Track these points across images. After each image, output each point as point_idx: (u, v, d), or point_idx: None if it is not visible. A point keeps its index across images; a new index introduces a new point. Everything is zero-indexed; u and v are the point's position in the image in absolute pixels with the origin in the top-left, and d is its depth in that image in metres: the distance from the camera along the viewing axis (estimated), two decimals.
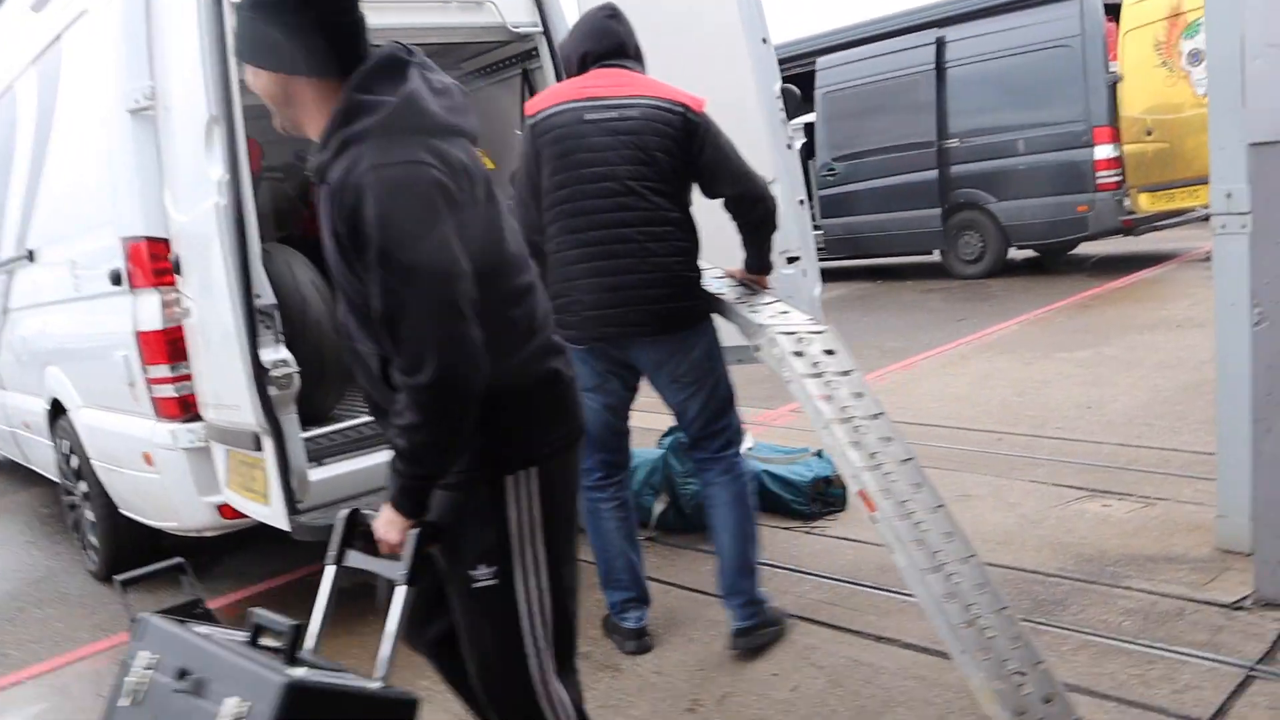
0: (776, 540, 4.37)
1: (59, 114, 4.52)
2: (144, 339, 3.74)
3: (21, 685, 4.01)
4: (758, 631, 3.34)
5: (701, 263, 3.34)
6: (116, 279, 3.87)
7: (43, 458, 5.76)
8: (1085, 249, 12.53)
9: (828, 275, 13.93)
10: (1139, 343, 7.48)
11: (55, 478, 5.57)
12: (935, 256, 12.50)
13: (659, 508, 4.53)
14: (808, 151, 14.18)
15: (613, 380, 3.33)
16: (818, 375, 2.99)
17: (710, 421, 3.36)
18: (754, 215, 3.28)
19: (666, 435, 4.75)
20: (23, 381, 5.66)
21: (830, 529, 4.47)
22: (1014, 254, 12.17)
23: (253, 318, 3.00)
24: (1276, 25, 2.92)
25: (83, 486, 4.95)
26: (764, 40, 4.00)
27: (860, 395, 2.98)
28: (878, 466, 2.78)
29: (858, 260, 13.65)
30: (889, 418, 2.99)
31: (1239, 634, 3.07)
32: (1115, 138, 10.32)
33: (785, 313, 3.32)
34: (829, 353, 3.10)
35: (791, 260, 4.14)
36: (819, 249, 12.80)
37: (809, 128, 14.26)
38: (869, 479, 2.74)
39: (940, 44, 11.47)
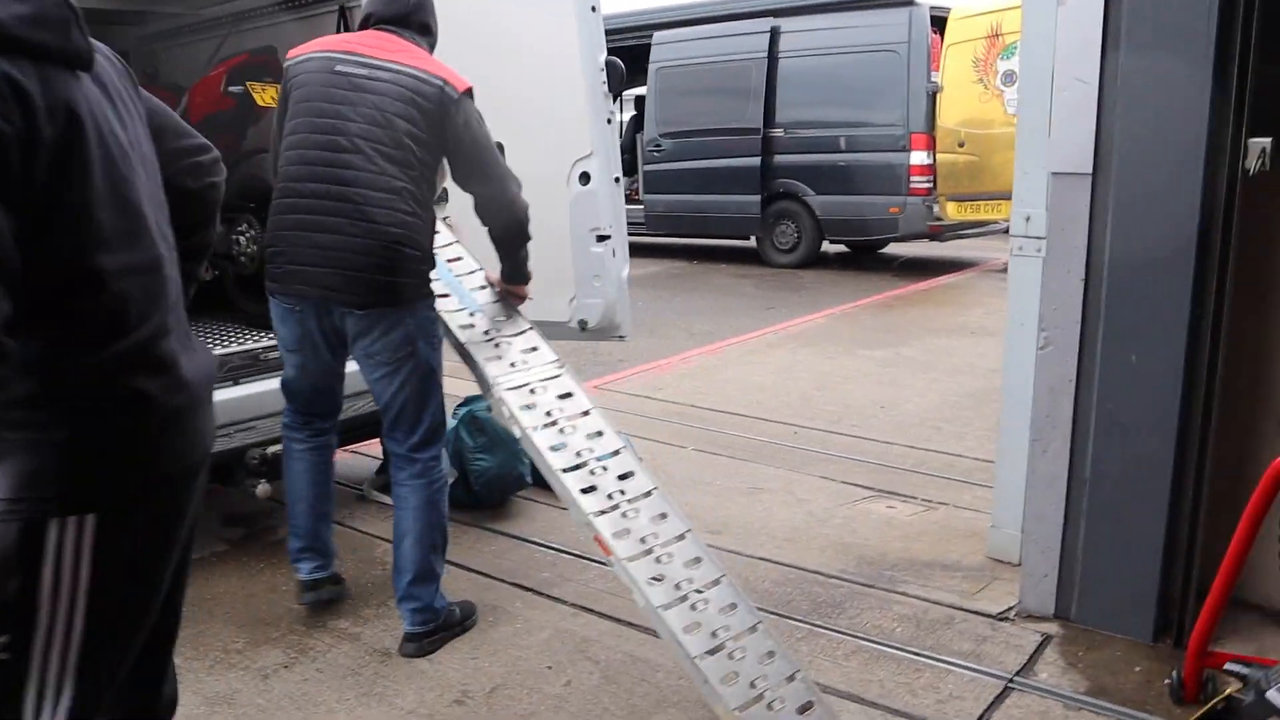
0: (566, 523, 4.25)
1: None
2: None
3: None
4: (429, 638, 3.21)
5: (460, 260, 3.25)
6: None
7: None
8: (893, 249, 13.01)
9: (645, 251, 14.03)
10: (936, 346, 7.77)
11: None
12: (751, 242, 12.69)
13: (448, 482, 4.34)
14: (637, 125, 14.14)
15: (314, 344, 3.13)
16: (551, 424, 3.09)
17: (402, 413, 3.16)
18: (499, 221, 3.20)
19: (461, 405, 4.56)
20: None
21: None
22: (827, 247, 12.50)
23: None
24: (1084, 61, 2.98)
25: None
26: (593, 8, 3.84)
27: (599, 434, 3.10)
28: (615, 508, 2.85)
29: (676, 239, 13.74)
30: (631, 450, 3.11)
31: (1001, 645, 3.17)
32: (930, 145, 10.71)
33: (532, 349, 3.40)
34: (564, 396, 3.20)
35: (601, 239, 4.01)
36: (639, 224, 12.97)
37: (639, 101, 14.22)
38: (601, 524, 2.80)
39: (775, 33, 11.59)
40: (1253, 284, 3.04)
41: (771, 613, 3.41)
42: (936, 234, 11.32)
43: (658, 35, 12.60)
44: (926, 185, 10.78)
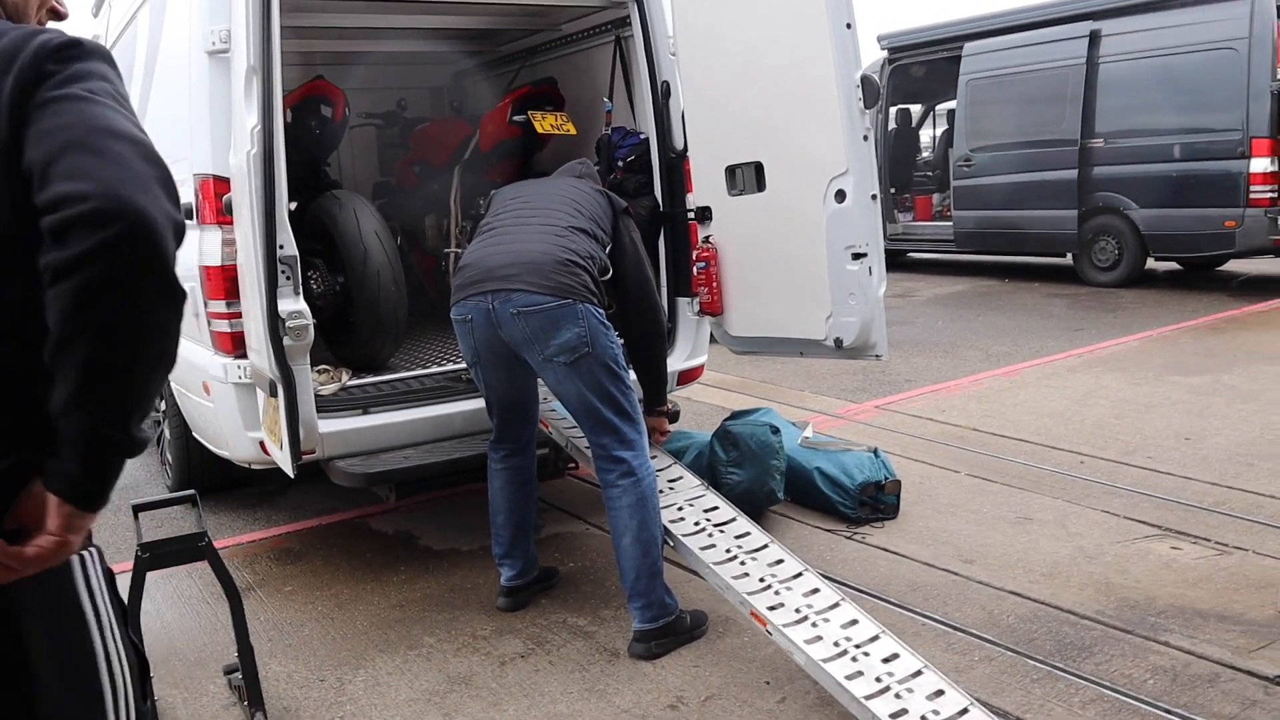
0: (816, 542, 4.26)
1: (162, 49, 4.68)
2: (207, 273, 3.85)
3: None
4: (658, 639, 3.29)
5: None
6: (189, 213, 3.99)
7: None
8: (1232, 267, 11.78)
9: (955, 269, 13.60)
10: (1263, 374, 6.98)
11: None
12: (1068, 260, 11.93)
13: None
14: (947, 140, 13.70)
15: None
16: (699, 530, 3.47)
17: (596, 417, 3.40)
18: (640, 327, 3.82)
19: (724, 421, 4.67)
20: None
21: (872, 536, 4.32)
22: (1155, 265, 11.52)
23: (274, 267, 3.04)
24: None
25: (162, 405, 5.18)
26: (848, 25, 3.82)
27: (746, 534, 3.46)
28: (767, 588, 3.17)
29: (988, 256, 13.16)
30: (778, 545, 3.41)
31: (1273, 713, 2.83)
32: (1274, 151, 9.60)
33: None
34: (711, 509, 3.62)
35: (858, 256, 3.97)
36: (948, 241, 12.56)
37: (950, 115, 13.76)
38: (757, 601, 3.10)
39: (1094, 37, 10.83)
40: None
41: (1009, 649, 3.26)
42: None
43: (968, 46, 12.15)
44: (1270, 195, 9.66)
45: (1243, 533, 4.21)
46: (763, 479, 4.38)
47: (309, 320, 3.15)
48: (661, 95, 4.76)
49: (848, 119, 3.93)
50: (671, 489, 3.65)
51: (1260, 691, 2.94)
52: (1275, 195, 9.68)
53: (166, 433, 5.22)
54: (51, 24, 1.55)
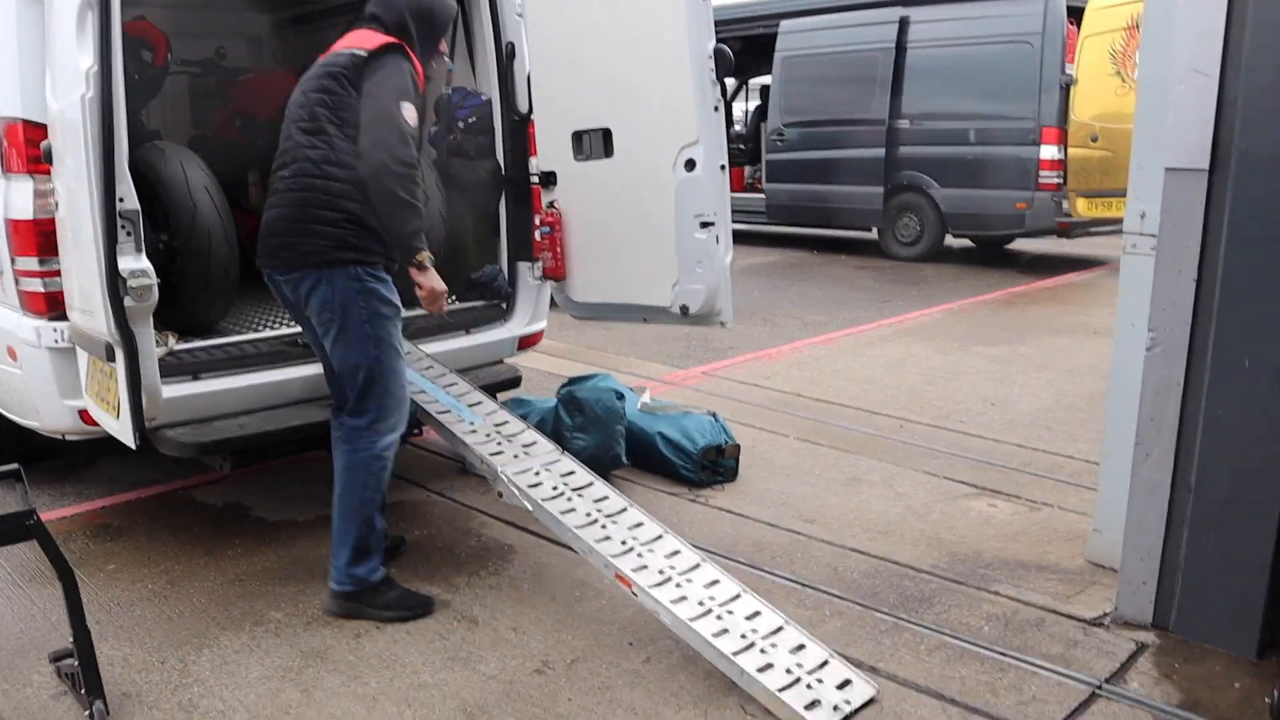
0: (660, 505, 4.31)
1: None
2: (13, 227, 3.52)
3: None
4: (345, 601, 3.34)
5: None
6: None
7: None
8: (1020, 245, 12.64)
9: (766, 240, 13.97)
10: (1054, 345, 7.54)
11: None
12: (873, 234, 12.50)
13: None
14: (761, 114, 14.06)
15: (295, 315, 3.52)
16: (558, 495, 3.45)
17: (334, 378, 3.44)
18: (365, 172, 3.19)
19: (564, 386, 4.66)
20: None
21: (715, 499, 4.42)
22: (952, 241, 12.23)
23: (113, 222, 2.81)
24: (1204, 51, 2.87)
25: None
26: None
27: (605, 498, 3.48)
28: (629, 550, 3.20)
29: (797, 229, 13.62)
30: (637, 508, 3.45)
31: (1093, 650, 3.09)
32: (1061, 140, 10.34)
33: (502, 424, 3.82)
34: (568, 474, 3.58)
35: (705, 225, 4.03)
36: (760, 213, 12.92)
37: (764, 90, 14.12)
38: (622, 564, 3.12)
39: (904, 23, 11.34)
40: None
41: (857, 603, 3.41)
42: (1065, 230, 10.91)
43: (785, 24, 12.49)
44: (1056, 180, 10.41)
45: (1048, 490, 4.55)
46: (608, 443, 4.41)
47: (153, 280, 2.93)
48: (506, 57, 4.67)
49: (699, 89, 3.98)
50: (527, 454, 3.61)
51: (1080, 633, 3.20)
52: (1061, 180, 10.43)
53: None
54: None
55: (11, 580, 3.67)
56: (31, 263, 3.49)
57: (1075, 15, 10.33)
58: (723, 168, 4.14)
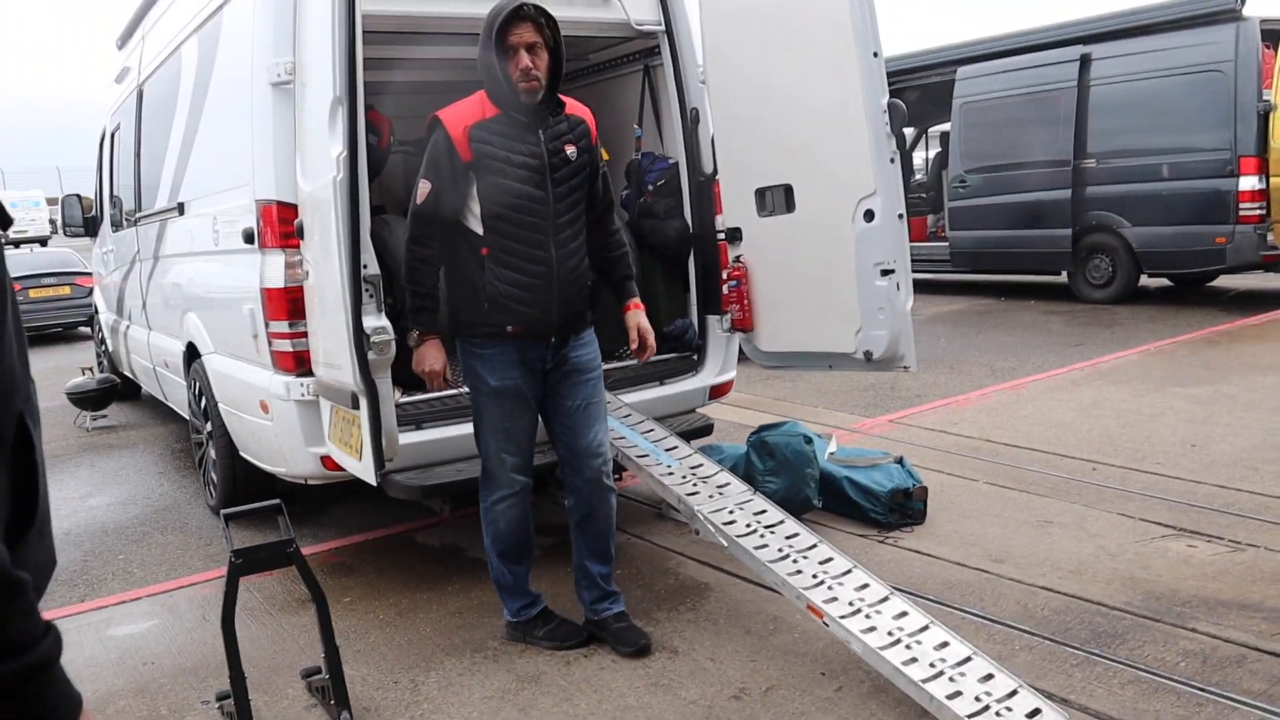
0: (849, 546, 4.43)
1: (215, 80, 4.88)
2: (268, 295, 4.04)
3: (138, 601, 4.39)
4: (506, 628, 3.74)
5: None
6: (249, 238, 4.18)
7: (177, 396, 6.23)
8: (1224, 282, 12.09)
9: (952, 289, 13.85)
10: (1261, 383, 7.23)
11: (187, 415, 6.01)
12: (1063, 278, 12.21)
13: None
14: (942, 161, 14.01)
15: None
16: (751, 532, 3.66)
17: None
18: None
19: (754, 433, 4.87)
20: (166, 324, 6.13)
21: (903, 540, 4.51)
22: (1148, 281, 11.81)
23: (359, 286, 3.24)
24: None
25: (209, 426, 5.34)
26: (875, 54, 4.06)
27: (796, 535, 3.67)
28: (820, 583, 3.37)
29: (984, 275, 13.42)
30: (826, 544, 3.61)
31: None
32: (1262, 169, 9.92)
33: (697, 466, 4.09)
34: (760, 512, 3.81)
35: (886, 272, 4.19)
36: (944, 261, 12.82)
37: (944, 137, 14.07)
38: (813, 595, 3.30)
39: (1085, 60, 11.17)
40: None
41: (1046, 639, 3.45)
42: (1271, 264, 10.42)
43: (961, 70, 12.48)
44: (1258, 212, 9.98)
45: (1254, 531, 4.42)
46: (799, 486, 4.58)
47: (391, 335, 3.35)
48: (691, 121, 4.98)
49: (875, 143, 4.16)
50: (721, 494, 3.84)
51: None
52: (1263, 212, 9.98)
53: (211, 453, 5.37)
54: None
55: (266, 609, 4.15)
56: (282, 325, 4.00)
57: (1270, 38, 9.94)
58: (900, 217, 4.30)
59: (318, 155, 3.39)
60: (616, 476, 4.49)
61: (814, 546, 3.55)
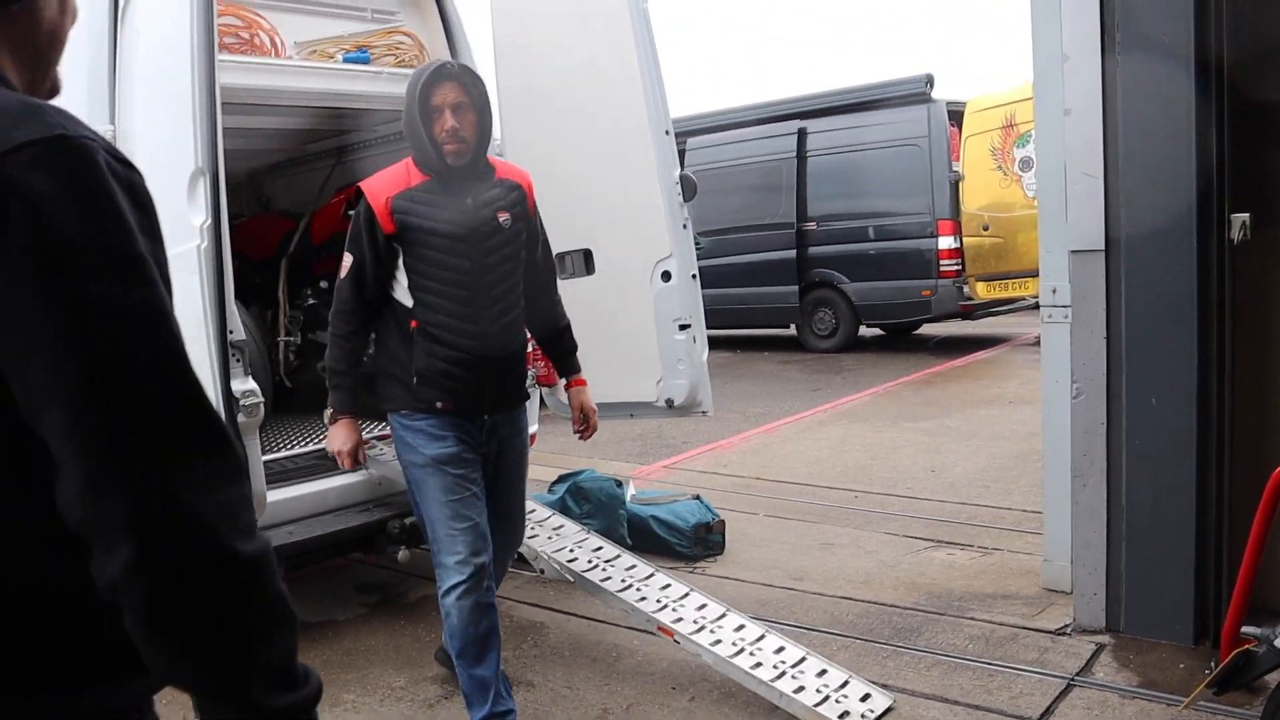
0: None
1: None
2: None
3: None
4: None
5: None
6: None
7: None
8: (928, 330, 13.61)
9: None
10: (976, 416, 8.30)
11: None
12: (792, 330, 13.33)
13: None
14: None
15: None
16: (594, 567, 3.93)
17: None
18: None
19: (557, 482, 5.17)
20: None
21: (711, 569, 4.94)
22: (866, 331, 13.12)
23: (225, 351, 3.29)
24: (1091, 159, 3.62)
25: None
26: (666, 132, 4.54)
27: (633, 566, 3.97)
28: (665, 606, 3.69)
29: (720, 330, 14.36)
30: (662, 572, 3.98)
31: (1062, 653, 3.68)
32: (956, 230, 11.38)
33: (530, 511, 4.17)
34: (598, 549, 4.09)
35: (683, 327, 4.64)
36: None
37: None
38: (662, 617, 3.61)
39: (802, 134, 12.41)
40: (1250, 330, 3.61)
41: (857, 638, 3.95)
42: (968, 313, 11.91)
43: (691, 141, 13.45)
44: (955, 268, 11.41)
45: (996, 538, 5.17)
46: (614, 525, 4.91)
47: (260, 399, 3.39)
48: None
49: (670, 211, 4.63)
50: (558, 535, 4.10)
51: (1049, 641, 3.79)
52: (960, 268, 11.43)
53: None
54: None
55: None
56: None
57: (955, 118, 11.47)
58: (694, 276, 4.78)
59: (173, 227, 3.41)
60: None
61: (652, 575, 3.89)
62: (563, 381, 3.74)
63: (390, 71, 4.79)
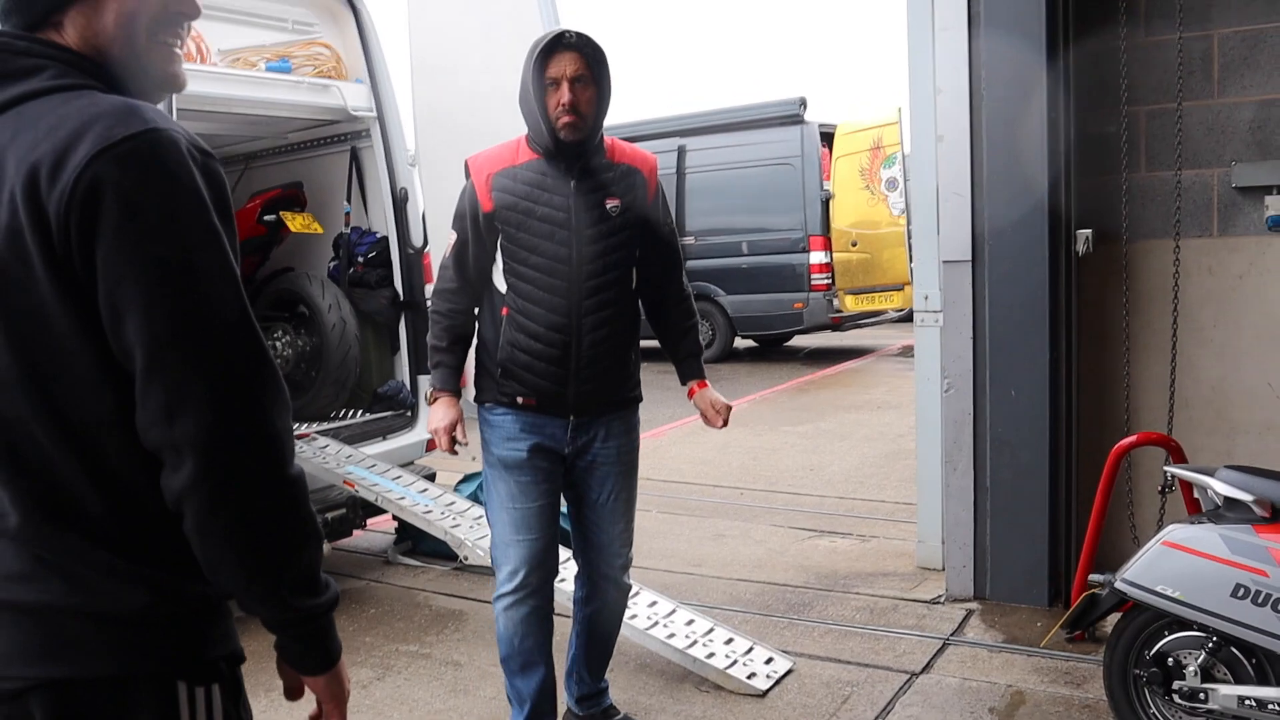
0: None
1: None
2: None
3: None
4: None
5: None
6: None
7: None
8: (797, 341, 14.25)
9: None
10: (848, 420, 8.86)
11: None
12: None
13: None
14: None
15: None
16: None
17: None
18: None
19: (464, 481, 5.40)
20: None
21: None
22: (739, 342, 13.66)
23: None
24: (959, 180, 4.11)
25: None
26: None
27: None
28: None
29: None
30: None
31: (937, 619, 4.14)
32: (827, 246, 12.02)
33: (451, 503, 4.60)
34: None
35: None
36: None
37: None
38: None
39: (681, 151, 12.89)
40: (1092, 331, 4.15)
41: (756, 614, 4.33)
42: (838, 325, 12.57)
43: None
44: (826, 281, 12.04)
45: (873, 526, 5.65)
46: None
47: None
48: (400, 199, 5.48)
49: None
50: (479, 524, 4.33)
51: (925, 609, 4.25)
52: (830, 281, 12.06)
53: None
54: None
55: None
56: None
57: (827, 140, 12.13)
58: None
59: None
60: (360, 525, 4.86)
61: (568, 560, 4.17)
62: (685, 388, 3.43)
63: (310, 81, 4.99)
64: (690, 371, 3.36)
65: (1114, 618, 3.08)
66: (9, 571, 1.28)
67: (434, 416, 3.11)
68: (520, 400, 2.98)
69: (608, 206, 2.95)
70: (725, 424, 3.35)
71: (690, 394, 3.37)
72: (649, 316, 3.24)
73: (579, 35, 2.89)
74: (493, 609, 3.15)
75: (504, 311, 2.96)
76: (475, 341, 3.15)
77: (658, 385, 11.55)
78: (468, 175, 3.03)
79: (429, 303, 3.17)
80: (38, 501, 1.27)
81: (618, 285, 2.99)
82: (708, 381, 3.37)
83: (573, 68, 2.85)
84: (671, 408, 9.97)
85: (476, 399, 3.13)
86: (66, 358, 1.23)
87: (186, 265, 1.22)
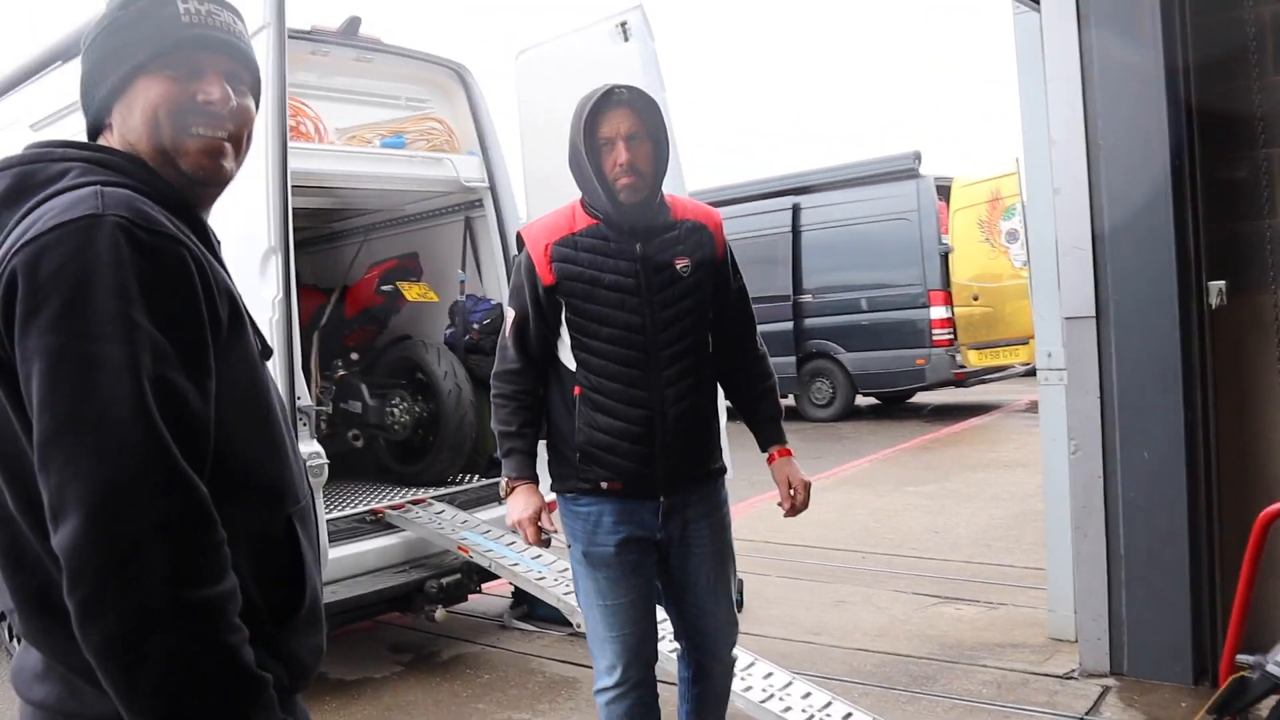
0: None
1: None
2: None
3: None
4: None
5: None
6: None
7: None
8: (921, 398, 13.92)
9: None
10: (974, 479, 8.57)
11: None
12: (790, 400, 13.62)
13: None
14: None
15: None
16: None
17: None
18: None
19: None
20: None
21: None
22: (861, 400, 13.42)
23: (295, 417, 3.56)
24: (1079, 233, 3.95)
25: None
26: None
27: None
28: None
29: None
30: None
31: (1071, 695, 3.90)
32: (948, 300, 11.76)
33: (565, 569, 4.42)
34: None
35: None
36: None
37: None
38: None
39: (796, 209, 12.85)
40: (1230, 387, 3.91)
41: (877, 686, 4.16)
42: (961, 380, 12.24)
43: None
44: (948, 337, 11.77)
45: (1000, 593, 5.40)
46: None
47: (325, 460, 3.65)
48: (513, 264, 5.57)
49: None
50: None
51: (1058, 685, 4.02)
52: (952, 336, 11.78)
53: None
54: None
55: None
56: None
57: (944, 193, 11.93)
58: None
59: (252, 300, 3.72)
60: (475, 589, 4.88)
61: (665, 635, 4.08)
62: (765, 455, 3.14)
63: (424, 155, 5.14)
64: (771, 436, 3.10)
65: (1270, 700, 2.84)
66: (31, 668, 1.29)
67: (514, 508, 2.82)
68: (605, 485, 2.75)
69: (678, 267, 2.75)
70: (803, 506, 3.07)
71: (770, 460, 3.09)
72: (723, 380, 3.08)
73: (629, 89, 2.71)
74: (598, 704, 2.95)
75: (576, 391, 2.73)
76: (546, 426, 2.90)
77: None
78: (521, 246, 2.83)
79: (492, 385, 2.87)
80: (32, 597, 1.26)
81: (696, 350, 2.80)
82: (790, 450, 3.10)
83: (626, 125, 2.67)
84: None
85: (554, 488, 2.88)
86: (26, 453, 1.19)
87: (84, 356, 1.14)
